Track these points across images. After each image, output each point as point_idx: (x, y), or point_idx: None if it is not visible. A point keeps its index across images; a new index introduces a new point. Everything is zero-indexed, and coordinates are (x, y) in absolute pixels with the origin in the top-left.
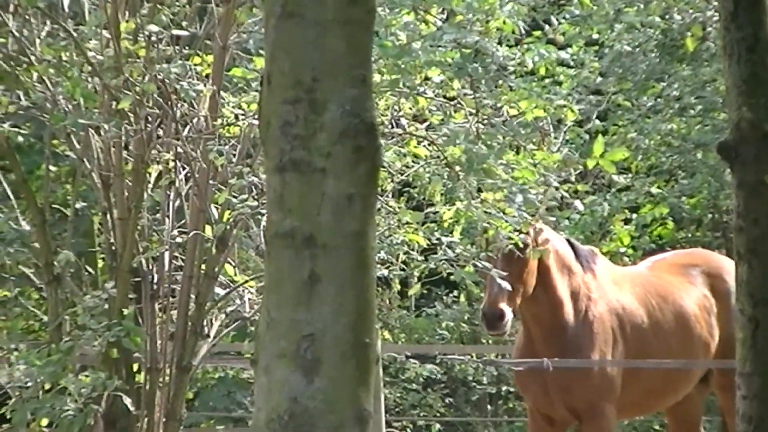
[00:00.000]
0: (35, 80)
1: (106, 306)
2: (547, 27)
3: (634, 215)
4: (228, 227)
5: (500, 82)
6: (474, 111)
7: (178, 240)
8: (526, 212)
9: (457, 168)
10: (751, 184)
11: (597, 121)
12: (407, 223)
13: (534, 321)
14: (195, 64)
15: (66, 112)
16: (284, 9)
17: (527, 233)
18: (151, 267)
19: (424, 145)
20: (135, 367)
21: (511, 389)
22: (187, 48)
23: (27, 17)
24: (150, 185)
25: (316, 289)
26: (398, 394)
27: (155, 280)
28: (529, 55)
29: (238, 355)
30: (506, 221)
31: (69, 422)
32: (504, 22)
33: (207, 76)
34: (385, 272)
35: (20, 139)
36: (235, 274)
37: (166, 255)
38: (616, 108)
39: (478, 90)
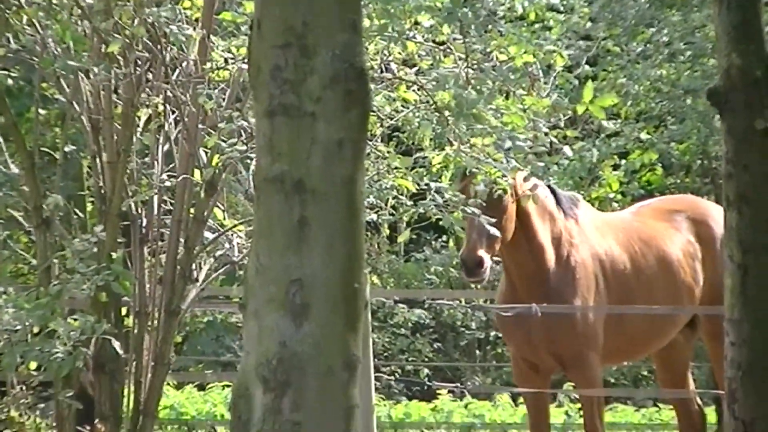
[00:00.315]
0: (25, 23)
1: (95, 250)
2: None
3: (623, 161)
4: (217, 171)
5: (490, 27)
6: (463, 56)
7: (168, 184)
8: (515, 158)
9: (447, 113)
10: (740, 131)
11: (586, 67)
12: (396, 168)
13: (515, 268)
14: (185, 8)
15: (56, 56)
16: None
17: (514, 179)
18: (140, 211)
19: (414, 90)
20: (124, 311)
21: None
22: None
23: None
24: (139, 129)
25: (305, 233)
26: (387, 339)
27: (144, 224)
28: (519, 0)
29: (227, 300)
30: (495, 167)
31: (58, 365)
32: None
33: (196, 19)
34: (374, 217)
35: (10, 82)
36: (224, 219)
37: (155, 199)
38: (605, 53)
39: (468, 35)
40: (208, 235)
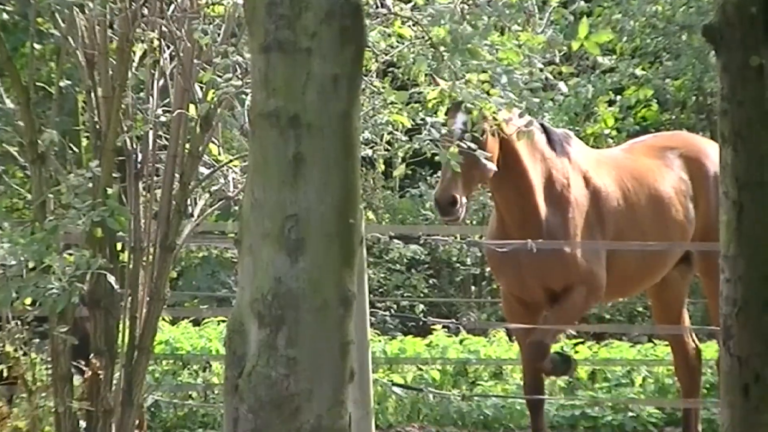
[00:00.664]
0: None
1: (90, 185)
2: None
3: (619, 97)
4: (212, 107)
5: None
6: None
7: (163, 119)
8: (510, 93)
9: (442, 48)
10: (736, 67)
11: (582, 3)
12: (392, 103)
13: (505, 206)
14: None
15: None
16: None
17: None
18: (135, 146)
19: (409, 26)
20: (119, 246)
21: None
22: None
23: None
24: (134, 64)
25: (300, 169)
26: (382, 275)
27: (139, 159)
28: None
29: (222, 235)
30: (490, 102)
31: (53, 301)
32: None
33: None
34: (370, 153)
35: (5, 17)
36: (220, 154)
37: (150, 134)
38: None
39: None
40: (204, 170)
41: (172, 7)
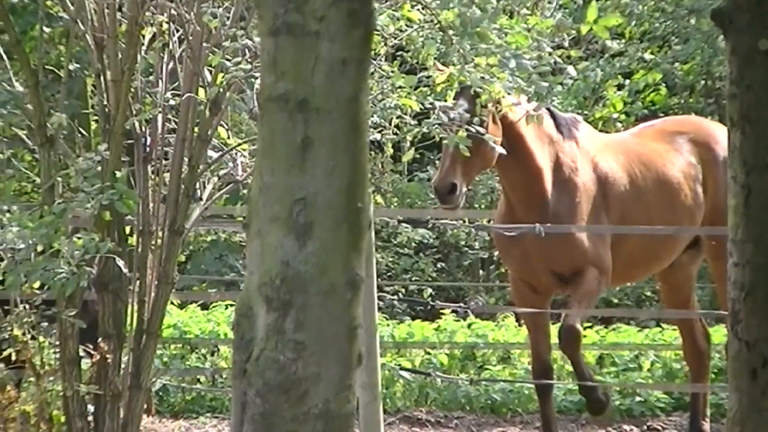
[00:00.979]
0: None
1: (99, 168)
2: None
3: (627, 81)
4: (221, 90)
5: None
6: None
7: (172, 102)
8: (519, 77)
9: (451, 32)
10: (744, 51)
11: None
12: (400, 87)
13: (513, 190)
14: None
15: None
16: None
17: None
18: (144, 129)
19: (418, 9)
20: (127, 229)
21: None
22: None
23: None
24: (143, 47)
25: (309, 152)
26: (390, 259)
27: (148, 143)
28: None
29: (231, 219)
30: (499, 86)
31: (62, 284)
32: None
33: None
34: (378, 136)
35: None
36: (228, 137)
37: (159, 118)
38: None
39: None
40: (212, 154)
41: None
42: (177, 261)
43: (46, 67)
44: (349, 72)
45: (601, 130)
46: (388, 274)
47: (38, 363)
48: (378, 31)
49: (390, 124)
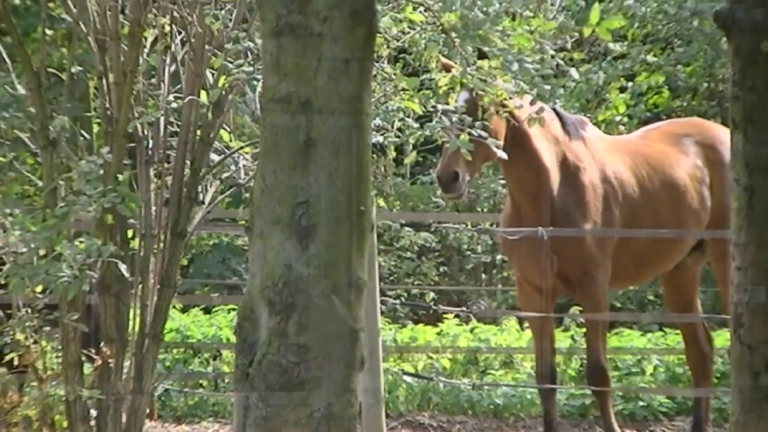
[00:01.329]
0: None
1: (102, 171)
2: None
3: (630, 83)
4: (223, 92)
5: None
6: None
7: (174, 105)
8: (521, 80)
9: (453, 34)
10: (747, 53)
11: None
12: (403, 89)
13: (519, 189)
14: None
15: None
16: None
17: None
18: (146, 132)
19: (420, 11)
20: (130, 233)
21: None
22: None
23: None
24: (146, 49)
25: (311, 154)
26: (393, 262)
27: (150, 146)
28: None
29: (233, 222)
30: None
31: (64, 288)
32: None
33: None
34: (381, 139)
35: (16, 1)
36: (231, 140)
37: (162, 120)
38: None
39: None
40: (215, 156)
41: None
42: (179, 264)
43: (49, 69)
44: (352, 73)
45: (603, 133)
46: (391, 277)
47: (41, 367)
48: (380, 33)
49: (393, 126)
